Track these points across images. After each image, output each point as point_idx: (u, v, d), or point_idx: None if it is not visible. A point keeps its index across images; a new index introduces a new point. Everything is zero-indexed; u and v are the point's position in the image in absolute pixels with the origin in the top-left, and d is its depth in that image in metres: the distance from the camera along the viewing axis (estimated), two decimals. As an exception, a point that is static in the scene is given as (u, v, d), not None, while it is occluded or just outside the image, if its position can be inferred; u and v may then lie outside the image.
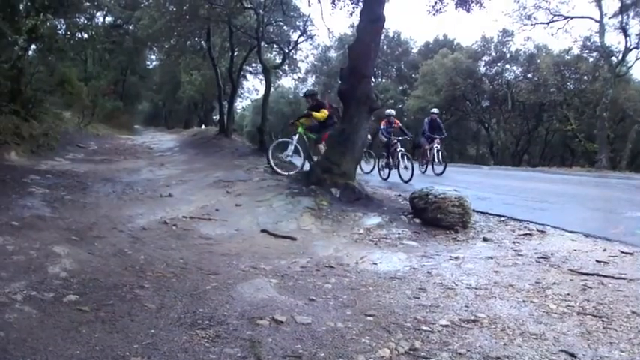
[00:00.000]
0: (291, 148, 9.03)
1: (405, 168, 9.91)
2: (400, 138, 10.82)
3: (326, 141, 8.85)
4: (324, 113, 9.06)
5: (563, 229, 4.93)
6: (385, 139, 11.03)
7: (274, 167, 8.64)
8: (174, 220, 5.59)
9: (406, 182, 9.37)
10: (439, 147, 12.13)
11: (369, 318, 2.77)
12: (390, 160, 10.72)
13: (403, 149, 10.27)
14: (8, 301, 2.70)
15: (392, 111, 11.72)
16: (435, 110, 13.48)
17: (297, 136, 9.10)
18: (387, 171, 10.77)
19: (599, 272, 3.39)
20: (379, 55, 16.90)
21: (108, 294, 2.98)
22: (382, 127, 11.29)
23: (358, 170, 7.85)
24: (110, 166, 9.88)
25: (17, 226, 4.42)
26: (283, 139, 9.74)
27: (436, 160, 12.01)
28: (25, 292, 2.85)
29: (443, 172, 11.43)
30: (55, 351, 2.21)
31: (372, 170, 11.93)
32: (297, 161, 9.38)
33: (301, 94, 10.35)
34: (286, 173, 8.41)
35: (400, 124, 11.56)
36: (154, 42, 18.47)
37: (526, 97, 25.10)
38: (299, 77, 27.98)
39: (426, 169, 12.19)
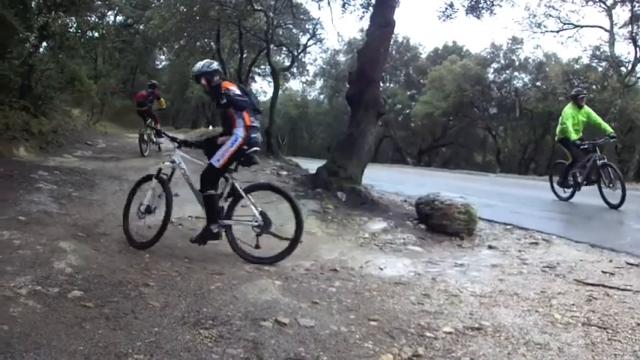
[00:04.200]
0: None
1: None
2: None
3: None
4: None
5: (569, 239, 4.91)
6: None
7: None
8: (181, 219, 5.60)
9: None
10: None
11: (372, 323, 2.76)
12: None
13: None
14: (13, 295, 2.71)
15: None
16: None
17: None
18: None
19: (604, 283, 3.37)
20: (388, 60, 16.87)
21: (112, 291, 2.99)
22: None
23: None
24: (118, 164, 9.90)
25: (24, 221, 4.45)
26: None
27: None
28: (30, 287, 2.86)
29: None
30: (59, 346, 2.21)
31: (571, 196, 7.67)
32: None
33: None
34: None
35: None
36: (164, 42, 18.60)
37: (534, 105, 25.00)
38: (307, 80, 28.15)
39: None
